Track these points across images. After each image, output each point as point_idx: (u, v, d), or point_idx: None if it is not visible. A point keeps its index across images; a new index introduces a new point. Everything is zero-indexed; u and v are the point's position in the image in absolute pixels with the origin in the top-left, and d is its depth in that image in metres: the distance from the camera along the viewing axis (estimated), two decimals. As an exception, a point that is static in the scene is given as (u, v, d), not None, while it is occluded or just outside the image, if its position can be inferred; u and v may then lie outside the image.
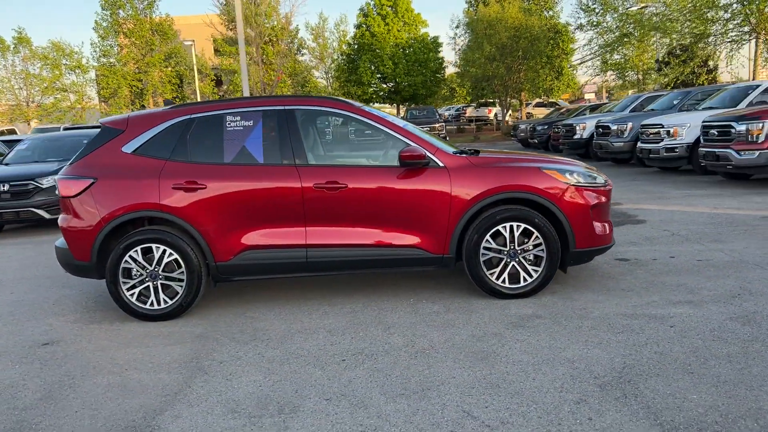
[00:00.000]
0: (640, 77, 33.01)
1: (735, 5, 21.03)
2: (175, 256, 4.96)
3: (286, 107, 5.14)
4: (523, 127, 27.57)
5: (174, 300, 5.02)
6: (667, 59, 26.71)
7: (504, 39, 33.82)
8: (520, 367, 3.68)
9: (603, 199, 5.16)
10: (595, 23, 32.54)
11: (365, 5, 42.05)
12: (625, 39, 30.58)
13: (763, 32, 21.38)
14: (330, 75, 42.51)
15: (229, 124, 5.10)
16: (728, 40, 23.06)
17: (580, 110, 25.65)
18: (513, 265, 5.01)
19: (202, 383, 3.74)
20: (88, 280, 6.47)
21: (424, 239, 4.99)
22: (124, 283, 4.99)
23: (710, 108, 14.31)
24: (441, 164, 5.00)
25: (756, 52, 26.32)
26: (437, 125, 31.06)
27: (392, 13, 41.19)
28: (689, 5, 25.85)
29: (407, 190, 4.96)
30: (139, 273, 4.98)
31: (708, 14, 22.68)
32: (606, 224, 5.20)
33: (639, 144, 14.80)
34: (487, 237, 4.97)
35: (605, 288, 5.19)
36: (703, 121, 12.23)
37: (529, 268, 5.01)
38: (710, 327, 4.13)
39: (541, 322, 4.45)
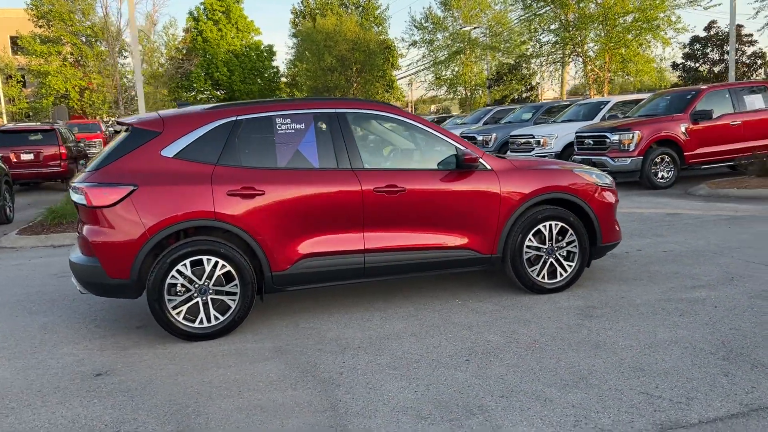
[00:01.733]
0: (468, 93, 35.68)
1: (561, 32, 23.72)
2: (228, 268, 4.59)
3: (338, 110, 5.00)
4: (371, 137, 28.40)
5: (226, 315, 4.64)
6: (496, 77, 29.23)
7: (344, 51, 34.59)
8: (637, 351, 4.00)
9: (615, 198, 5.71)
10: (428, 40, 34.70)
11: (195, 9, 40.43)
12: (457, 56, 33.01)
13: (582, 56, 24.35)
14: (158, 80, 40.06)
15: (279, 126, 4.84)
16: (557, 61, 25.91)
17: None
18: (551, 261, 5.36)
19: (348, 395, 3.56)
20: (58, 304, 5.70)
21: (474, 240, 5.15)
22: (170, 300, 4.51)
23: (569, 120, 16.07)
24: (489, 167, 5.20)
25: (562, 73, 29.88)
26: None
27: (225, 18, 40.09)
28: (511, 27, 28.71)
29: (462, 192, 5.09)
30: (185, 288, 4.53)
31: (538, 37, 25.32)
32: (617, 221, 5.76)
33: (509, 153, 16.10)
34: (530, 236, 5.26)
35: (616, 279, 5.73)
36: (577, 132, 13.72)
37: (564, 263, 5.39)
38: (746, 305, 4.80)
39: (603, 311, 4.83)
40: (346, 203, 4.82)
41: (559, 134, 15.06)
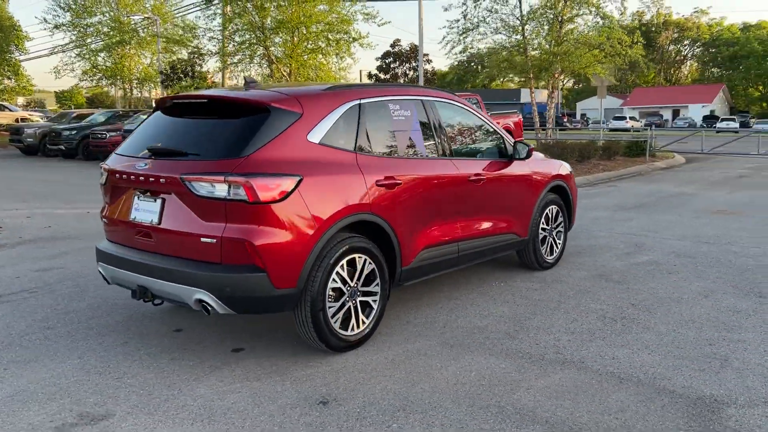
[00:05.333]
0: (129, 88, 32.97)
1: (256, 33, 24.00)
2: (373, 266, 4.14)
3: (427, 98, 4.87)
4: (31, 131, 24.20)
5: (370, 318, 4.17)
6: (170, 72, 27.92)
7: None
8: (707, 301, 5.01)
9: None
10: (81, 24, 30.90)
11: None
12: (118, 46, 30.30)
13: (270, 58, 25.12)
14: None
15: (393, 112, 4.50)
16: (244, 59, 25.96)
17: (111, 117, 24.29)
18: (550, 240, 6.12)
19: (617, 369, 3.77)
20: (73, 326, 4.21)
21: (517, 224, 5.58)
22: (330, 307, 3.87)
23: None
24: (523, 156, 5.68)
25: (223, 75, 30.25)
26: None
27: None
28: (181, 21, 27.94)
29: (516, 181, 5.48)
30: (336, 293, 3.94)
31: (230, 35, 25.16)
32: (571, 205, 6.79)
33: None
34: (542, 218, 5.94)
35: (566, 253, 6.78)
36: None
37: (557, 242, 6.22)
38: (686, 263, 6.31)
39: (620, 278, 5.76)
40: (453, 192, 4.79)
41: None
